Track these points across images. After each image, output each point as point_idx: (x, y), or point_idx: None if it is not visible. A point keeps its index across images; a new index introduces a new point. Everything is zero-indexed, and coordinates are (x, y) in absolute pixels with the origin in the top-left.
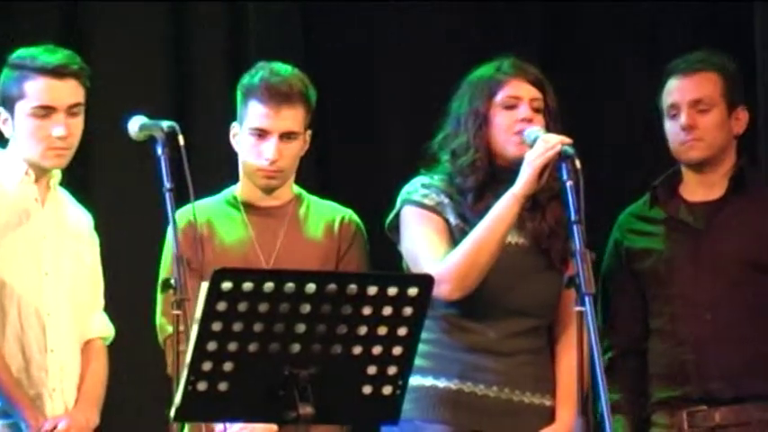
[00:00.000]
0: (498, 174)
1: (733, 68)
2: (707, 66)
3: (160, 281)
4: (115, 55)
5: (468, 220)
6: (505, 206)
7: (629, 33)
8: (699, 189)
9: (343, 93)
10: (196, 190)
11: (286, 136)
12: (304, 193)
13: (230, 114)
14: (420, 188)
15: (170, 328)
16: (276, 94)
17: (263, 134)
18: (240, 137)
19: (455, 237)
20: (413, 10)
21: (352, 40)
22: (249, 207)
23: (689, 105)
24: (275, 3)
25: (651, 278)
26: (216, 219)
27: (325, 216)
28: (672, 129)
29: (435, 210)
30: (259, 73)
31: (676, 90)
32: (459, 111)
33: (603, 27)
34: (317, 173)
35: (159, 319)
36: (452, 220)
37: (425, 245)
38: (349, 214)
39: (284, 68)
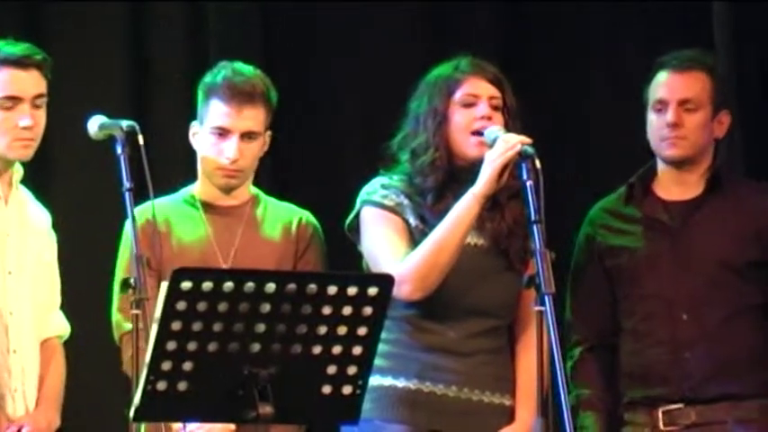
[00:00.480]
0: (458, 174)
1: (722, 71)
2: (698, 65)
3: (119, 280)
4: (75, 55)
5: (427, 221)
6: (466, 206)
7: (595, 32)
8: (674, 188)
9: (302, 93)
10: (156, 189)
11: (247, 136)
12: (261, 194)
13: (190, 114)
14: (379, 189)
15: (126, 326)
16: (238, 94)
17: (224, 133)
18: (200, 136)
19: (415, 238)
20: (374, 10)
21: (312, 40)
22: (207, 206)
23: (677, 103)
24: (235, 3)
25: (625, 276)
26: (174, 217)
27: (282, 217)
28: (656, 123)
29: (395, 210)
30: (221, 72)
31: (666, 86)
32: (419, 110)
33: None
34: (275, 173)
35: (115, 316)
36: (412, 220)
37: (385, 245)
38: (306, 216)
39: (247, 69)
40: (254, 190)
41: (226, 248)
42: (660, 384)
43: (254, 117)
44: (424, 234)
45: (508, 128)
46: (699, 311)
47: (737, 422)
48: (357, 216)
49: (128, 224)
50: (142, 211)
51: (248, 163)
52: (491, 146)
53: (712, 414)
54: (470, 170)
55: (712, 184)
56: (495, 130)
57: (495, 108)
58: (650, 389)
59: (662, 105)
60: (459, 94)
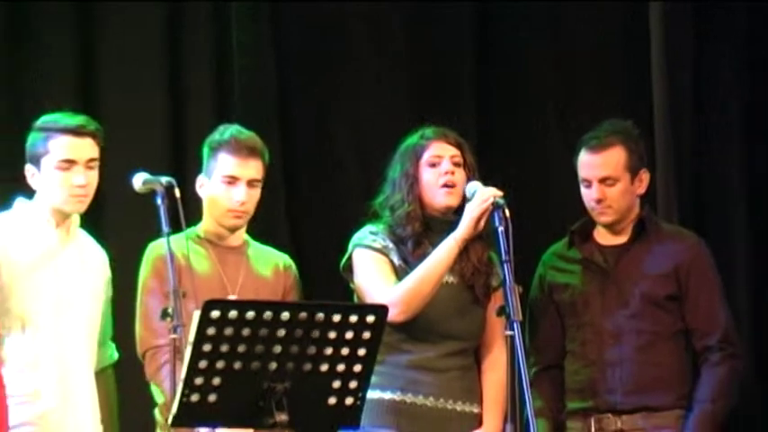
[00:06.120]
0: (432, 225)
1: (635, 136)
2: (612, 139)
3: (146, 305)
4: (122, 120)
5: (409, 263)
6: (447, 248)
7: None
8: (609, 235)
9: (314, 159)
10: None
11: (251, 183)
12: (249, 238)
13: None
14: (369, 234)
15: (153, 341)
16: (245, 147)
17: (233, 181)
18: (208, 186)
19: (398, 275)
20: (372, 86)
21: (323, 107)
22: (212, 245)
23: (598, 181)
24: (257, 78)
25: (568, 308)
26: (189, 253)
27: (269, 259)
28: (585, 196)
29: (382, 252)
30: (227, 131)
31: (587, 166)
32: (394, 175)
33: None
34: (292, 224)
35: (141, 332)
36: (396, 261)
37: (376, 278)
38: (286, 258)
39: (246, 130)
40: (245, 235)
41: (233, 282)
42: (592, 397)
43: (257, 167)
44: (406, 272)
45: (469, 181)
46: (624, 338)
47: (655, 428)
48: (349, 258)
49: (167, 261)
50: (158, 245)
51: (252, 206)
52: (470, 198)
53: (633, 422)
54: (443, 220)
55: (638, 232)
56: (474, 185)
57: (456, 164)
58: (585, 401)
59: (587, 182)
60: (426, 157)
